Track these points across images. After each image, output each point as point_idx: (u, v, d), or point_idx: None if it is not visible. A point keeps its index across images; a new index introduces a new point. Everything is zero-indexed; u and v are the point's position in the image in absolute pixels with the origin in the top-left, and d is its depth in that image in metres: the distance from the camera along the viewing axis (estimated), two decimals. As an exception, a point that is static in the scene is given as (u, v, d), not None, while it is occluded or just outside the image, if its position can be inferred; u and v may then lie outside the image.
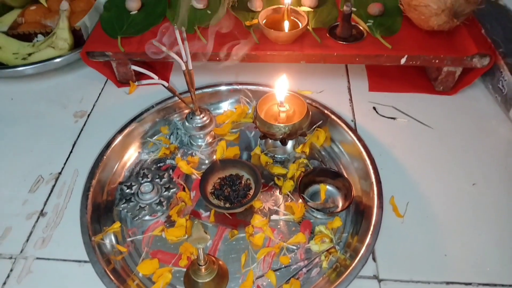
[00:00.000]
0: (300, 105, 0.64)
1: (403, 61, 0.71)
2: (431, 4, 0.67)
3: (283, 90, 0.62)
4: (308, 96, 0.75)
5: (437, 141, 0.69)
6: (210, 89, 0.75)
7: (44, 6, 0.93)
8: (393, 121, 0.73)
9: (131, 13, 0.81)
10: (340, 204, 0.59)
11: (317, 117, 0.70)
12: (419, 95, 0.77)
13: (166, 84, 0.58)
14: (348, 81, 0.81)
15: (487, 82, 0.77)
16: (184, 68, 0.57)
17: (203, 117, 0.64)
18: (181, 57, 0.58)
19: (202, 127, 0.64)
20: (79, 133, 0.72)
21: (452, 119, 0.73)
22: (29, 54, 0.81)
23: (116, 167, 0.65)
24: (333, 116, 0.69)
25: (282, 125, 0.59)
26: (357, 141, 0.64)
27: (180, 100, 0.63)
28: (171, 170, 0.64)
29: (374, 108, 0.75)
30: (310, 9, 0.80)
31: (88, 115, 0.75)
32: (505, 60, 0.71)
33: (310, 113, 0.63)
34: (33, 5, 0.93)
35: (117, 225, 0.57)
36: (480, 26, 0.76)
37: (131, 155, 0.67)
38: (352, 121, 0.72)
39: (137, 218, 0.57)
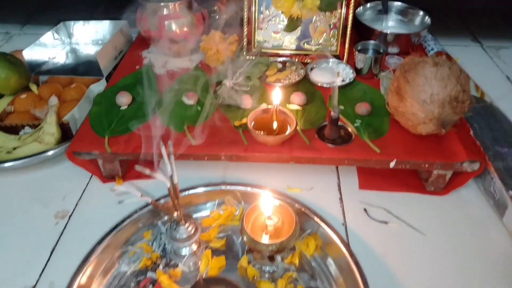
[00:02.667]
0: (289, 216, 0.62)
1: (392, 165, 0.71)
2: (419, 113, 0.67)
3: (270, 203, 0.60)
4: (297, 195, 0.73)
5: (429, 248, 0.67)
6: (196, 190, 0.73)
7: (34, 94, 0.94)
8: (385, 225, 0.70)
9: (121, 108, 0.81)
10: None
11: (307, 224, 0.68)
12: (411, 194, 0.76)
13: (149, 200, 0.56)
14: (338, 178, 0.80)
15: (479, 183, 0.76)
16: (168, 185, 0.55)
17: (187, 227, 0.62)
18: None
19: (187, 238, 0.62)
20: (59, 238, 0.69)
21: (445, 222, 0.71)
22: (14, 148, 0.80)
23: (94, 281, 0.61)
24: (323, 226, 0.67)
25: (269, 243, 0.57)
26: (348, 257, 0.61)
27: (166, 203, 0.61)
28: (151, 286, 0.60)
29: (365, 209, 0.73)
30: (298, 107, 0.81)
31: (70, 216, 0.72)
32: (494, 165, 0.71)
33: (299, 227, 0.60)
34: (24, 93, 0.93)
35: None
36: (469, 126, 0.77)
37: (111, 266, 0.64)
38: (342, 224, 0.70)
39: None
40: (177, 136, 0.74)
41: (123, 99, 0.82)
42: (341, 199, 0.75)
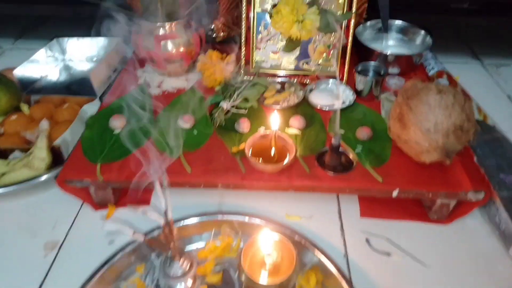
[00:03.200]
0: (289, 251, 0.59)
1: (395, 194, 0.68)
2: (422, 142, 0.65)
3: (268, 238, 0.57)
4: (296, 224, 0.71)
5: (433, 281, 0.65)
6: (190, 221, 0.70)
7: (25, 115, 0.91)
8: (387, 257, 0.68)
9: (114, 132, 0.79)
10: None
11: (308, 257, 0.65)
12: (413, 223, 0.74)
13: (141, 239, 0.53)
14: (339, 204, 0.77)
15: (484, 212, 0.74)
16: (162, 223, 0.52)
17: (182, 263, 0.59)
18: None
19: (182, 275, 0.59)
20: (47, 272, 0.66)
21: (449, 253, 0.68)
22: (3, 174, 0.77)
23: (83, 320, 0.58)
24: (324, 259, 0.64)
25: (268, 284, 0.54)
26: (350, 296, 0.59)
27: (159, 236, 0.58)
28: (144, 326, 0.57)
29: (367, 240, 0.71)
30: (297, 132, 0.78)
31: (60, 247, 0.69)
32: (499, 195, 0.69)
33: (299, 264, 0.58)
34: (14, 114, 0.90)
35: None
36: (472, 153, 0.75)
37: (102, 305, 0.61)
38: (344, 256, 0.68)
39: None
40: (172, 163, 0.72)
41: (117, 123, 0.79)
42: (342, 228, 0.73)
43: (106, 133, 0.78)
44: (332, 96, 0.86)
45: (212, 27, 1.01)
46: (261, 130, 0.79)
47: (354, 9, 0.86)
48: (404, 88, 0.73)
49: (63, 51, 1.11)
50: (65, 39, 1.09)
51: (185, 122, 0.79)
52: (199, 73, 0.93)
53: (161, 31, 0.86)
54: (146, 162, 0.70)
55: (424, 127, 0.64)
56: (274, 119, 0.72)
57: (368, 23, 1.03)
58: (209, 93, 0.90)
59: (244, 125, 0.78)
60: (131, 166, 0.70)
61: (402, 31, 1.04)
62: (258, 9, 0.89)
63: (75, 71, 1.08)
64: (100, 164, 0.71)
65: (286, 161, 0.69)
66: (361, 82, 0.86)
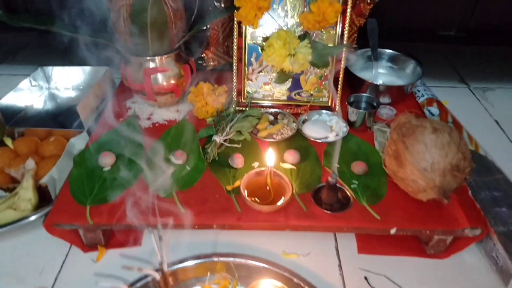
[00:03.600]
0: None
1: (392, 232, 0.68)
2: (419, 181, 0.65)
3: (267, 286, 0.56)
4: (293, 262, 0.69)
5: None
6: (185, 264, 0.67)
7: (9, 150, 0.87)
8: (386, 297, 0.67)
9: (104, 169, 0.76)
10: None
11: (306, 301, 0.63)
12: (411, 258, 0.73)
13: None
14: (336, 241, 0.76)
15: (480, 247, 0.73)
16: (158, 277, 0.50)
17: (179, 313, 0.57)
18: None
19: (178, 327, 0.57)
20: (34, 325, 0.62)
21: (448, 290, 0.68)
22: (-14, 217, 0.73)
23: None
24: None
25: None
26: None
27: (151, 280, 0.56)
28: None
29: (365, 278, 0.70)
30: (292, 167, 0.77)
31: (48, 295, 0.66)
32: (496, 230, 0.69)
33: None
34: (-2, 149, 0.87)
35: None
36: (467, 186, 0.75)
37: None
38: (343, 297, 0.66)
39: None
40: (165, 204, 0.70)
41: (106, 160, 0.77)
42: (340, 265, 0.72)
43: (95, 172, 0.76)
44: (325, 127, 0.86)
45: (202, 56, 1.00)
46: (256, 165, 0.78)
47: (345, 41, 0.87)
48: (398, 123, 0.73)
49: (48, 80, 1.08)
50: (50, 67, 1.06)
51: (177, 158, 0.77)
52: (190, 103, 0.91)
53: (151, 65, 0.84)
54: (138, 204, 0.68)
55: (421, 166, 0.64)
56: (269, 156, 0.71)
57: (359, 51, 1.03)
58: (201, 124, 0.89)
59: (238, 161, 0.77)
60: (122, 208, 0.68)
61: (392, 59, 1.05)
62: (249, 41, 0.88)
63: (61, 102, 1.05)
64: (89, 207, 0.69)
65: (282, 201, 0.68)
66: (354, 114, 0.86)
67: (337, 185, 0.72)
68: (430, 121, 0.68)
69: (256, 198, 0.69)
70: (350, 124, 0.88)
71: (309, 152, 0.81)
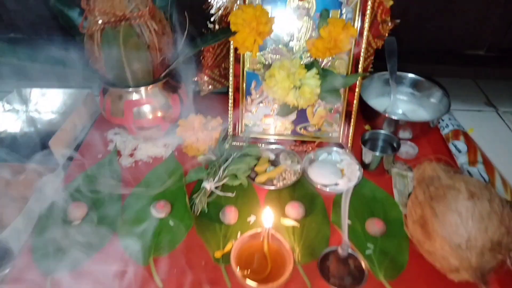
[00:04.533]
0: None
1: (416, 316, 0.55)
2: (451, 259, 0.52)
3: None
4: None
5: None
6: None
7: (-27, 190, 0.76)
8: None
9: (73, 223, 0.65)
10: None
11: None
12: None
13: None
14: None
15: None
16: None
17: None
18: None
19: None
20: None
21: None
22: None
23: None
24: None
25: None
26: None
27: None
28: None
29: None
30: (295, 223, 0.65)
31: None
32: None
33: None
34: (-40, 189, 0.76)
35: None
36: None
37: None
38: None
39: None
40: (140, 273, 0.58)
41: (76, 213, 0.66)
42: None
43: (62, 226, 0.64)
44: (335, 171, 0.73)
45: (195, 79, 0.88)
46: (252, 220, 0.66)
47: (361, 69, 0.74)
48: (423, 176, 0.61)
49: (25, 103, 0.97)
50: (28, 90, 0.95)
51: (159, 211, 0.66)
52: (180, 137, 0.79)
53: (133, 96, 0.72)
54: (106, 274, 0.57)
55: (453, 242, 0.52)
56: (267, 217, 0.59)
57: (375, 75, 0.90)
58: (191, 162, 0.77)
59: (230, 216, 0.65)
60: (89, 279, 0.57)
61: (413, 85, 0.91)
62: (248, 68, 0.76)
63: (38, 124, 0.94)
64: (51, 277, 0.57)
65: (282, 280, 0.55)
66: (369, 155, 0.74)
67: (349, 250, 0.60)
68: (465, 181, 0.55)
69: (249, 271, 0.57)
70: (364, 166, 0.75)
71: (315, 204, 0.69)
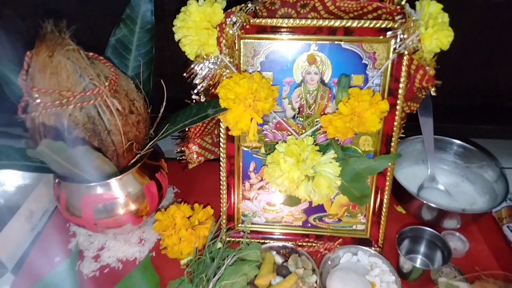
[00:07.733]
0: None
1: None
2: None
3: None
4: None
5: None
6: None
7: None
8: None
9: None
10: None
11: None
12: None
13: None
14: None
15: None
16: None
17: None
18: None
19: None
20: None
21: None
22: None
23: None
24: None
25: None
26: None
27: None
28: None
29: None
30: None
31: None
32: None
33: None
34: None
35: None
36: None
37: None
38: None
39: None
40: None
41: None
42: None
43: None
44: (364, 283, 0.55)
45: (180, 150, 0.70)
46: None
47: (394, 148, 0.56)
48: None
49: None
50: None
51: None
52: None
53: (96, 190, 0.55)
54: None
55: None
56: None
57: (408, 139, 0.72)
58: (172, 268, 0.59)
59: None
60: None
61: (457, 152, 0.72)
62: (244, 146, 0.58)
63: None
64: None
65: None
66: (409, 265, 0.55)
67: None
68: None
69: None
70: (402, 275, 0.56)
71: None
